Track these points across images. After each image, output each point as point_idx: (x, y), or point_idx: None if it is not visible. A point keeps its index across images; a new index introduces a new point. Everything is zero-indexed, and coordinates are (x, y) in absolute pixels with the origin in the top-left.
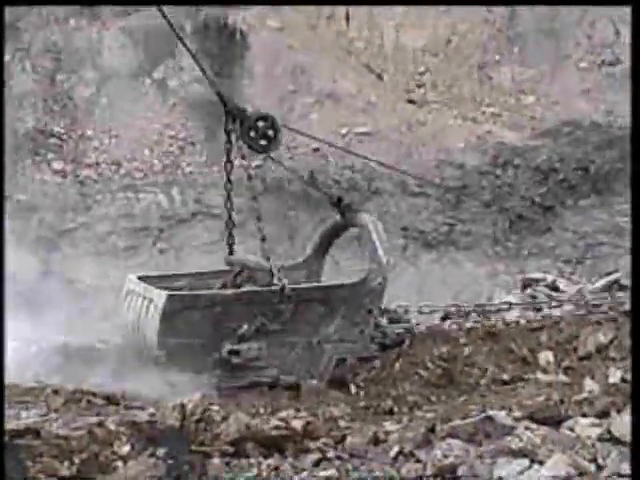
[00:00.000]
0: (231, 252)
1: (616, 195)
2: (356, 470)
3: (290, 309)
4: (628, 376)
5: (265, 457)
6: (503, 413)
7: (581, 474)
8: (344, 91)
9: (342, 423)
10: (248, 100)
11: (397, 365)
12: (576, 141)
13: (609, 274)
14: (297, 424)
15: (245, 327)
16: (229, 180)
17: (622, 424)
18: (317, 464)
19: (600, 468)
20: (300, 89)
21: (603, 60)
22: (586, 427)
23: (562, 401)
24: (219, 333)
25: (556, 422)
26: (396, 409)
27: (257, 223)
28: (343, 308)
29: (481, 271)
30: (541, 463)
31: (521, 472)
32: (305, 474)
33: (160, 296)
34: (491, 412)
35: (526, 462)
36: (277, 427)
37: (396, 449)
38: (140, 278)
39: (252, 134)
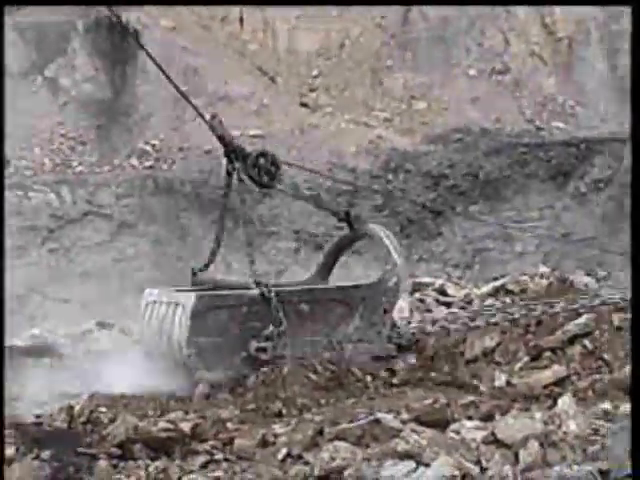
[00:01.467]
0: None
1: (504, 201)
2: (244, 472)
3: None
4: (514, 380)
5: (153, 459)
6: (390, 416)
7: (465, 476)
8: (237, 93)
9: (230, 425)
10: (142, 99)
11: (286, 368)
12: (466, 147)
13: (496, 279)
14: (185, 426)
15: (272, 327)
16: (223, 218)
17: (506, 427)
18: (205, 466)
19: (484, 470)
20: (193, 90)
21: (493, 68)
22: (471, 430)
23: (448, 404)
24: (245, 332)
25: (442, 425)
26: (285, 412)
27: (247, 247)
28: (361, 308)
29: (371, 275)
30: (427, 465)
31: (407, 474)
32: (193, 476)
33: (189, 298)
34: (379, 415)
35: (412, 464)
36: (165, 429)
37: (284, 451)
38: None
39: (255, 172)
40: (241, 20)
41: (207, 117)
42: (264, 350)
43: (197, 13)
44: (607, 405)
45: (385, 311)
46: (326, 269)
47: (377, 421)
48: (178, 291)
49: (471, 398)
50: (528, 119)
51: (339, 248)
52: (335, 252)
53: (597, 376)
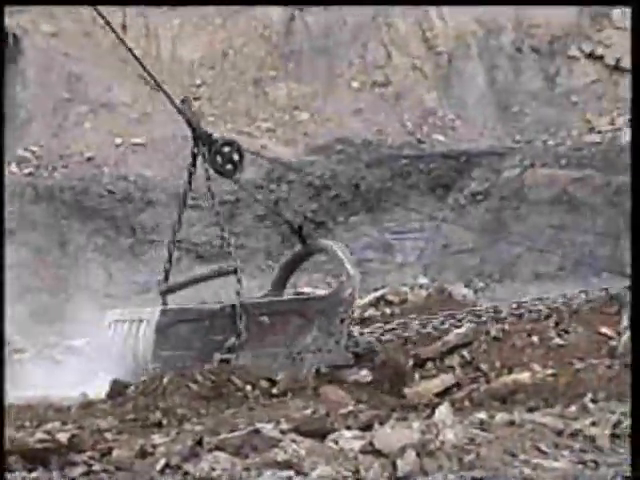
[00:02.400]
0: (166, 278)
1: (385, 212)
2: None
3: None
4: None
5: (29, 471)
6: (270, 426)
7: None
8: (119, 101)
9: (109, 435)
10: (21, 105)
11: (166, 378)
12: (348, 158)
13: (376, 290)
14: (63, 437)
15: (233, 339)
16: (184, 203)
17: (384, 436)
18: (83, 477)
19: None
20: (75, 97)
21: (375, 81)
22: (349, 439)
23: (327, 414)
24: (208, 345)
25: (321, 435)
26: (165, 422)
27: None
28: (319, 319)
29: (254, 284)
30: (305, 475)
31: None
32: None
33: (153, 313)
34: (258, 425)
35: (291, 474)
36: (42, 440)
37: (163, 462)
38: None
39: (219, 159)
40: (124, 27)
41: (177, 101)
42: (227, 362)
43: (79, 19)
44: (483, 415)
45: (342, 321)
46: (280, 285)
47: (257, 431)
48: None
49: (351, 408)
50: (409, 131)
51: (292, 264)
52: (288, 268)
53: (474, 386)
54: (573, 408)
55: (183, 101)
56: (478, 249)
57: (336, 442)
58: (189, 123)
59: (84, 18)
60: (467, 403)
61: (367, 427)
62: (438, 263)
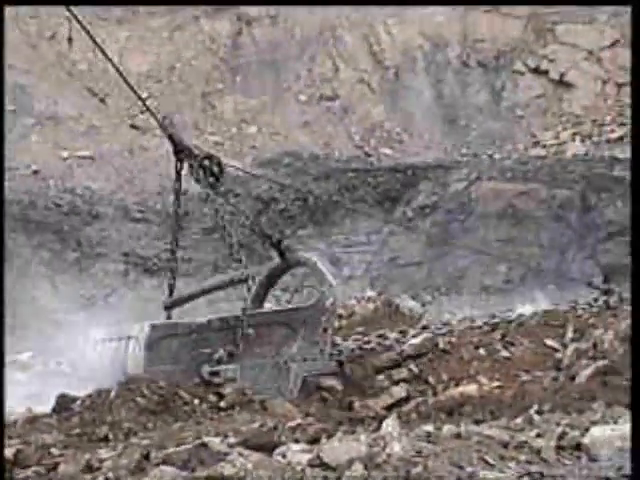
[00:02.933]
0: (171, 293)
1: (333, 226)
2: None
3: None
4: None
5: None
6: (218, 440)
7: None
8: (65, 114)
9: (55, 450)
10: None
11: (113, 392)
12: (296, 172)
13: None
14: (8, 452)
15: (221, 351)
16: (177, 222)
17: (331, 449)
18: None
19: None
20: (20, 109)
21: (322, 94)
22: (297, 453)
23: (275, 427)
24: (196, 358)
25: (269, 448)
26: (111, 436)
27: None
28: (303, 329)
29: (202, 300)
30: None
31: None
32: None
33: (141, 329)
34: (206, 439)
35: None
36: None
37: (110, 476)
38: None
39: (200, 173)
40: (70, 39)
41: (159, 117)
42: (217, 374)
43: (25, 31)
44: (430, 427)
45: (325, 330)
46: (259, 299)
47: (204, 445)
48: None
49: (298, 421)
50: (357, 145)
51: (271, 277)
52: (267, 282)
53: (421, 399)
54: (519, 420)
55: (165, 118)
56: (425, 262)
57: (284, 456)
58: (171, 139)
59: (30, 30)
60: (414, 416)
61: (315, 440)
62: (385, 276)
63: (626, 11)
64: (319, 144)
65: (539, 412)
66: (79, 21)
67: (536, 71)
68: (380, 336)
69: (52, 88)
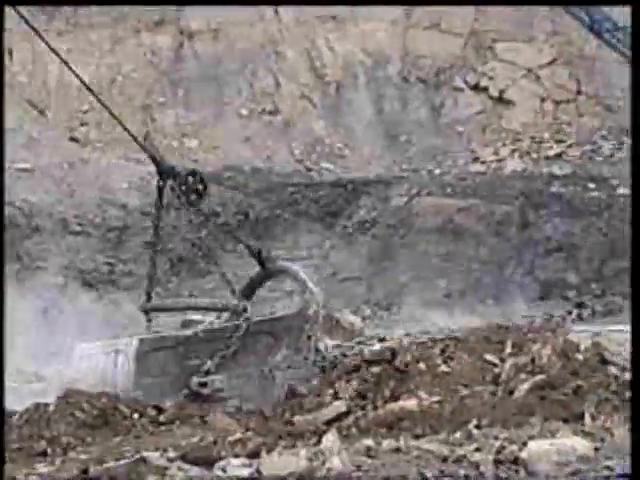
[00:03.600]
0: (149, 299)
1: (274, 240)
2: None
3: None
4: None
5: None
6: (157, 454)
7: None
8: (5, 125)
9: None
10: None
11: (52, 406)
12: (237, 186)
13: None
14: None
15: (209, 362)
16: (157, 235)
17: (271, 464)
18: None
19: None
20: None
21: (264, 109)
22: (237, 467)
23: (215, 442)
24: (185, 370)
25: (209, 462)
26: (50, 451)
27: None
28: (287, 337)
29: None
30: None
31: None
32: None
33: (129, 343)
34: (145, 453)
35: None
36: None
37: None
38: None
39: (184, 189)
40: (10, 51)
41: (139, 138)
42: (205, 385)
43: None
44: (370, 442)
45: (309, 338)
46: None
47: (143, 459)
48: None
49: (238, 436)
50: (298, 159)
51: (252, 287)
52: (248, 291)
53: (360, 413)
54: (458, 434)
55: (145, 138)
56: (366, 277)
57: (224, 470)
58: (153, 159)
59: None
60: (354, 430)
61: (255, 455)
62: (326, 290)
63: (564, 31)
64: (260, 158)
65: (478, 426)
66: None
67: (476, 88)
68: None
69: None
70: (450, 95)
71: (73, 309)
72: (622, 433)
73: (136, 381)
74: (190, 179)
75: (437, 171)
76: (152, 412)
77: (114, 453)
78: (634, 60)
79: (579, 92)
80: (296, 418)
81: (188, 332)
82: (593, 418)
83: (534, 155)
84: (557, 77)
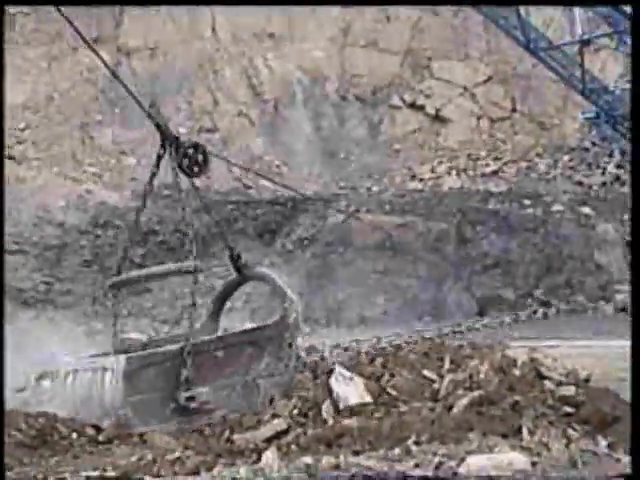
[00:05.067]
0: (119, 273)
1: (213, 258)
2: None
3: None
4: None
5: None
6: (96, 473)
7: None
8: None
9: None
10: None
11: None
12: (174, 203)
13: None
14: None
15: (185, 372)
16: (144, 203)
17: None
18: None
19: None
20: None
21: (202, 126)
22: None
23: (155, 460)
24: (171, 385)
25: None
26: None
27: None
28: (269, 346)
29: (79, 330)
30: None
31: None
32: None
33: (117, 361)
34: (84, 473)
35: None
36: None
37: None
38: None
39: (185, 161)
40: None
41: (145, 105)
42: (192, 398)
43: None
44: (309, 459)
45: (290, 345)
46: (216, 314)
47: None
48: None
49: (177, 454)
50: (236, 177)
51: (226, 293)
52: (223, 297)
53: (300, 430)
54: (397, 451)
55: (151, 105)
56: (304, 294)
57: None
58: (158, 126)
59: None
60: (294, 447)
61: (194, 473)
62: (265, 308)
63: (499, 49)
64: (204, 178)
65: (417, 442)
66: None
67: (413, 106)
68: None
69: None
70: (387, 113)
71: (10, 328)
72: (558, 447)
73: (125, 398)
74: (191, 151)
75: (375, 188)
76: (91, 431)
77: (53, 473)
78: (634, 60)
79: (514, 110)
80: (235, 436)
81: (174, 347)
82: (530, 433)
83: (471, 172)
84: (492, 95)
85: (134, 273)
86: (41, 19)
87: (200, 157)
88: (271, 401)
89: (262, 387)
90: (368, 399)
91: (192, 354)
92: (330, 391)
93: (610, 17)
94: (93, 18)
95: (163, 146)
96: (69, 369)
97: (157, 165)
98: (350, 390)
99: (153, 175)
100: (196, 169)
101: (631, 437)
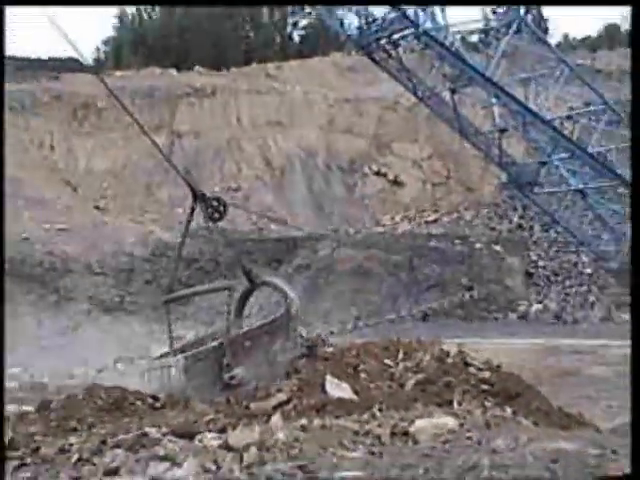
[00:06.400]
0: (170, 292)
1: (236, 278)
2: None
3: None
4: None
5: None
6: (154, 430)
7: (207, 471)
8: (48, 197)
9: (38, 438)
10: None
11: (80, 396)
12: (209, 240)
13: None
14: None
15: (226, 360)
16: (183, 243)
17: (235, 437)
18: (18, 468)
19: (219, 467)
20: (14, 194)
21: (229, 186)
22: (211, 439)
23: (196, 421)
24: (216, 369)
25: (191, 436)
26: (79, 427)
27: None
28: (279, 331)
29: (142, 330)
30: (179, 465)
31: (164, 472)
32: (7, 479)
33: (178, 361)
34: (146, 429)
35: (168, 464)
36: None
37: (76, 456)
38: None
39: (210, 211)
40: (52, 147)
41: (181, 171)
42: (233, 377)
43: (21, 140)
44: (304, 421)
45: (294, 330)
46: (240, 311)
47: (144, 434)
48: (162, 356)
49: (212, 416)
50: (253, 222)
51: (244, 298)
52: (242, 301)
53: (297, 401)
54: (365, 416)
55: (186, 173)
56: (301, 305)
57: (201, 441)
58: (191, 187)
59: (24, 139)
60: (293, 413)
61: (223, 430)
62: (271, 314)
63: (438, 134)
64: (227, 221)
65: (380, 410)
66: (113, 93)
67: (378, 174)
68: None
69: (39, 180)
70: (360, 179)
71: (95, 328)
72: (478, 413)
73: (186, 385)
74: (215, 202)
75: (351, 231)
76: (150, 400)
77: (123, 429)
78: (634, 61)
79: (448, 177)
80: (251, 405)
81: (216, 343)
82: (459, 403)
83: (418, 220)
84: (434, 167)
85: (182, 292)
86: (120, 111)
87: (221, 208)
88: (287, 373)
89: (278, 359)
90: (355, 397)
91: (228, 346)
92: (325, 392)
93: (518, 113)
94: (156, 110)
95: (195, 200)
96: (144, 369)
97: (191, 214)
98: (341, 392)
99: (188, 222)
100: (217, 215)
101: (631, 437)
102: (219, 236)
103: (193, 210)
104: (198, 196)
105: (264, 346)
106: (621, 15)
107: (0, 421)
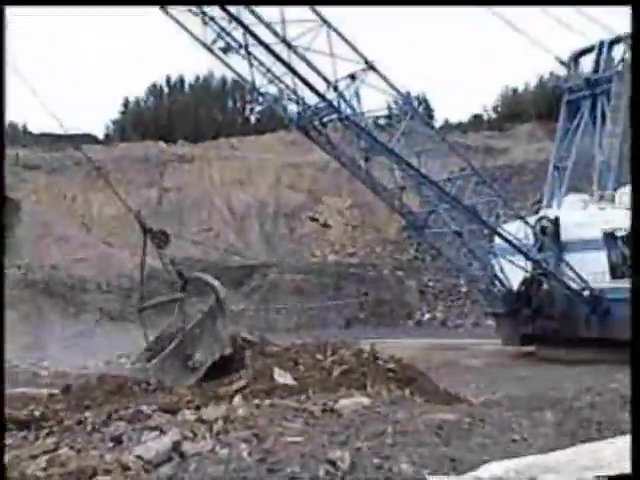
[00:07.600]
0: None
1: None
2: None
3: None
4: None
5: (20, 430)
6: (146, 407)
7: (185, 439)
8: (70, 235)
9: (62, 413)
10: (18, 237)
11: (93, 382)
12: (188, 269)
13: None
14: (37, 413)
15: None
16: (143, 265)
17: (207, 412)
18: (47, 435)
19: (195, 435)
20: (44, 233)
21: (204, 228)
22: (189, 415)
23: (177, 401)
24: (182, 361)
25: (175, 411)
26: (92, 405)
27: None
28: (217, 313)
29: (138, 334)
30: (165, 433)
31: (153, 438)
32: (38, 442)
33: (154, 364)
34: (141, 407)
35: (157, 433)
36: (26, 415)
37: (90, 426)
38: None
39: (156, 240)
40: (73, 198)
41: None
42: (196, 362)
43: (52, 195)
44: (258, 401)
45: (225, 315)
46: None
47: (140, 411)
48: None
49: (189, 397)
50: (221, 253)
51: (182, 290)
52: (183, 297)
53: (253, 386)
54: (303, 397)
55: (138, 213)
56: (254, 315)
57: (182, 416)
58: (141, 223)
59: (50, 193)
60: (250, 395)
61: (198, 408)
62: (232, 319)
63: (358, 190)
64: (203, 253)
65: (314, 392)
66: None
67: (312, 219)
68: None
69: (64, 223)
70: (299, 223)
71: (104, 332)
72: (385, 394)
73: (164, 378)
74: (160, 234)
75: (293, 261)
76: (144, 385)
77: (124, 406)
78: (634, 61)
79: (363, 222)
80: (219, 389)
81: (177, 341)
82: (371, 387)
83: (342, 253)
84: (353, 214)
85: (151, 302)
86: (124, 173)
87: (164, 238)
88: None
89: (223, 337)
90: (295, 383)
91: (187, 339)
92: (273, 380)
93: (414, 175)
94: (149, 172)
95: (144, 233)
96: (136, 368)
97: (144, 246)
98: (285, 380)
99: (144, 247)
100: (162, 244)
101: (632, 437)
102: (169, 263)
103: (145, 243)
104: (147, 230)
105: (209, 329)
106: (483, 107)
107: (0, 421)
